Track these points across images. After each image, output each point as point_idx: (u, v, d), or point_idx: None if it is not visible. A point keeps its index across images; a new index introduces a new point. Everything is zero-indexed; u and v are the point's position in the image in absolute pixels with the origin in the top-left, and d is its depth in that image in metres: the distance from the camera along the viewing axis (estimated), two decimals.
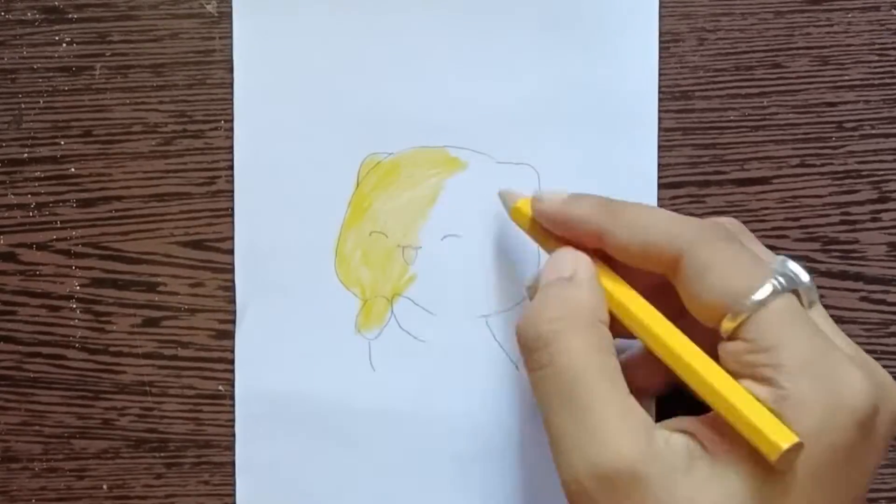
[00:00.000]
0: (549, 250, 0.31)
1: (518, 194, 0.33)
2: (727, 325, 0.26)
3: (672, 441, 0.26)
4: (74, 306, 0.35)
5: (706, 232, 0.27)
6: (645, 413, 0.26)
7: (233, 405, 0.35)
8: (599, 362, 0.26)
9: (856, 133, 0.35)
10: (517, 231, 0.33)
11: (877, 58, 0.35)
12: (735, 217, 0.35)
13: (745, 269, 0.26)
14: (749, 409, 0.25)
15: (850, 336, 0.35)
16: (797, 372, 0.25)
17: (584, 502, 0.25)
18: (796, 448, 0.24)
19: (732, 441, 0.25)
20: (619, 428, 0.25)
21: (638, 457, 0.25)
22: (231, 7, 0.35)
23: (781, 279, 0.26)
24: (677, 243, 0.27)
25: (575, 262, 0.29)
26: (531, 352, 0.27)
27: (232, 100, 0.35)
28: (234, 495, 0.35)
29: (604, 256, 0.29)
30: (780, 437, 0.24)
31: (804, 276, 0.27)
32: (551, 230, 0.30)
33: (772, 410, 0.25)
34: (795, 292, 0.26)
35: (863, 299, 0.35)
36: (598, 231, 0.29)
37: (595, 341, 0.27)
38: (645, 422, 0.26)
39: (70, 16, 0.35)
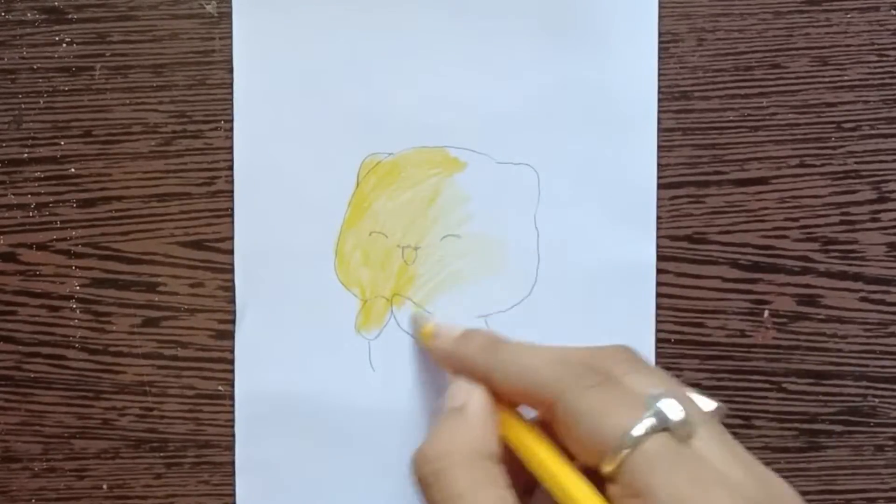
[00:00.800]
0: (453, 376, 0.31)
1: (426, 319, 0.34)
2: (605, 469, 0.26)
3: None
4: (74, 306, 0.35)
5: (576, 378, 0.27)
6: None
7: (232, 405, 0.35)
8: (482, 498, 0.27)
9: (855, 133, 0.35)
10: (517, 231, 0.33)
11: (876, 58, 0.35)
12: (734, 217, 0.35)
13: (614, 414, 0.26)
14: None
15: (849, 336, 0.35)
16: None
17: None
18: None
19: None
20: None
21: None
22: (231, 7, 0.35)
23: (650, 420, 0.25)
24: (549, 391, 0.27)
25: (467, 393, 0.29)
26: (424, 488, 0.28)
27: (232, 100, 0.35)
28: (233, 495, 0.35)
29: None
30: None
31: (675, 414, 0.26)
32: (448, 367, 0.31)
33: None
34: (669, 429, 0.26)
35: (862, 299, 0.35)
36: (482, 372, 0.29)
37: (481, 476, 0.27)
38: None
39: (70, 16, 0.35)
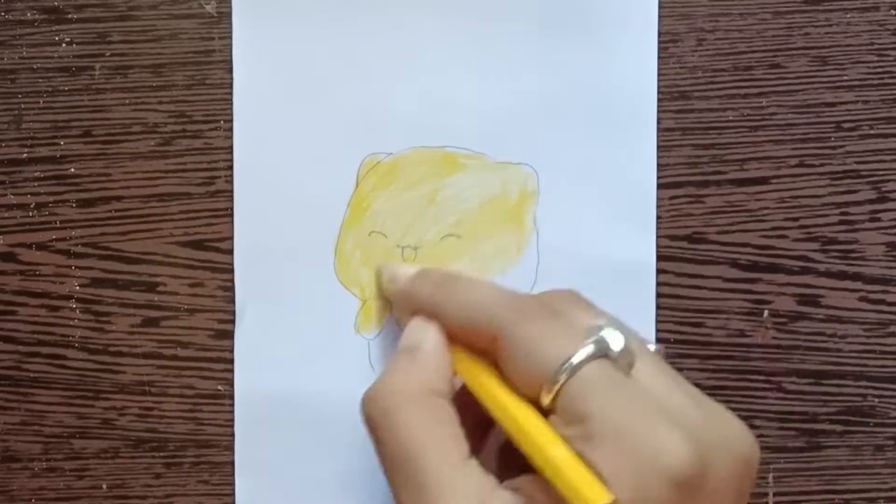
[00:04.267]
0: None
1: (387, 267, 0.34)
2: (544, 399, 0.25)
3: (505, 500, 0.25)
4: (74, 306, 0.35)
5: (520, 311, 0.27)
6: (482, 476, 0.26)
7: (232, 405, 0.35)
8: (433, 435, 0.26)
9: (854, 133, 0.35)
10: (516, 231, 0.33)
11: (875, 58, 0.35)
12: (734, 217, 0.35)
13: (554, 343, 0.26)
14: (568, 468, 0.24)
15: (848, 336, 0.35)
16: (606, 442, 0.24)
17: None
18: None
19: (556, 500, 0.24)
20: (451, 501, 0.25)
21: None
22: (230, 7, 0.35)
23: (590, 346, 0.25)
24: (494, 323, 0.27)
25: (422, 332, 0.29)
26: (372, 429, 0.28)
27: (231, 100, 0.35)
28: (233, 495, 0.35)
29: None
30: (594, 493, 0.23)
31: (616, 343, 0.25)
32: (405, 309, 0.31)
33: None
34: (609, 357, 0.26)
35: (862, 299, 0.35)
36: (433, 308, 0.29)
37: (430, 414, 0.27)
38: (480, 487, 0.26)
39: (70, 16, 0.35)
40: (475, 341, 0.28)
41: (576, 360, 0.25)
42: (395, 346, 0.35)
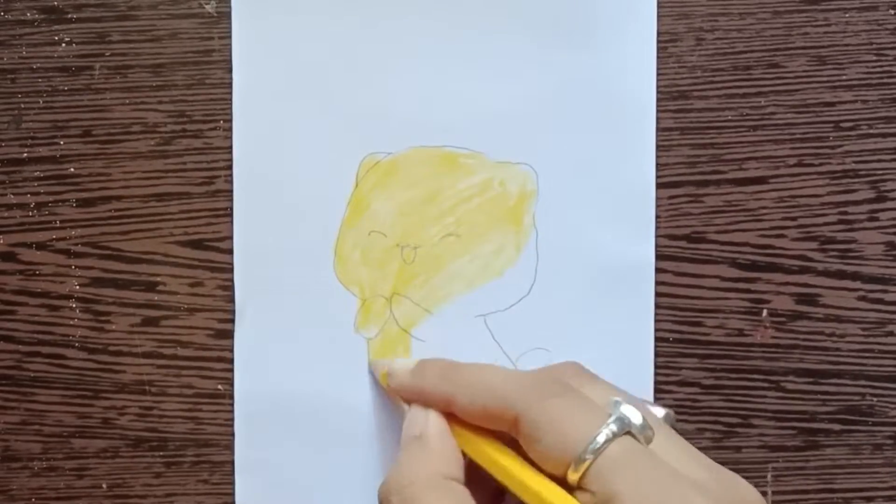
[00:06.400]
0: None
1: (382, 364, 0.34)
2: (572, 477, 0.26)
3: None
4: (74, 306, 0.35)
5: (537, 391, 0.28)
6: None
7: (232, 404, 0.35)
8: None
9: (853, 133, 0.35)
10: (516, 231, 0.33)
11: (874, 57, 0.35)
12: (733, 216, 0.35)
13: (578, 421, 0.26)
14: None
15: (847, 335, 0.35)
16: None
17: None
18: None
19: None
20: None
21: None
22: (230, 7, 0.35)
23: (614, 425, 0.26)
24: (512, 406, 0.28)
25: (424, 420, 0.30)
26: None
27: (231, 100, 0.35)
28: (233, 494, 0.35)
29: None
30: None
31: (636, 418, 0.27)
32: (408, 400, 0.32)
33: None
34: (632, 433, 0.27)
35: (860, 299, 0.35)
36: (443, 399, 0.30)
37: (447, 498, 0.28)
38: None
39: (69, 16, 0.35)
40: (489, 424, 0.29)
41: (601, 439, 0.26)
42: (394, 346, 0.35)
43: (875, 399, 0.36)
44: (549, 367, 0.31)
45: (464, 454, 0.29)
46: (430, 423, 0.30)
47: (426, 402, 0.31)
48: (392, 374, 0.33)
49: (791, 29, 0.35)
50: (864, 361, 0.36)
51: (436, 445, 0.29)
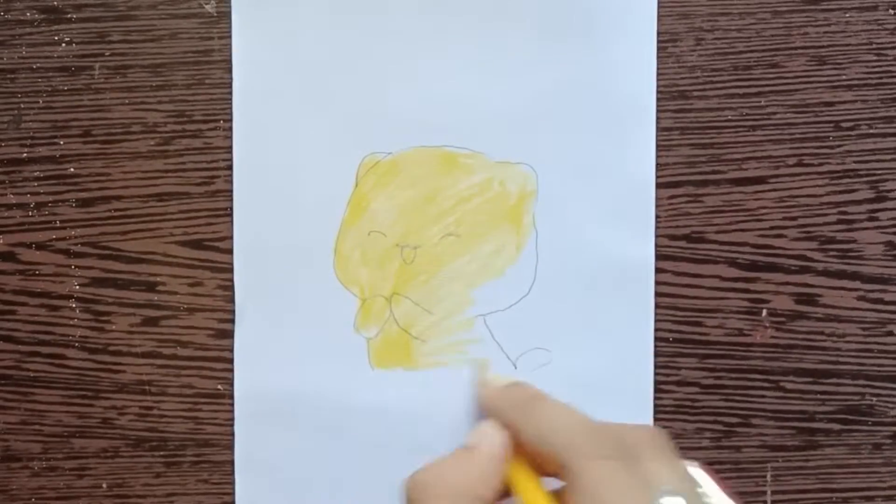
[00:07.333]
0: None
1: (485, 369, 0.34)
2: None
3: None
4: (74, 306, 0.35)
5: (597, 446, 0.27)
6: None
7: (232, 404, 0.35)
8: None
9: (853, 132, 0.35)
10: (515, 231, 0.33)
11: (874, 57, 0.35)
12: (733, 216, 0.35)
13: (620, 493, 0.26)
14: None
15: (847, 335, 0.35)
16: None
17: None
18: None
19: None
20: None
21: None
22: (230, 7, 0.35)
23: None
24: (564, 453, 0.27)
25: (485, 435, 0.30)
26: None
27: (231, 100, 0.35)
28: (233, 493, 0.35)
29: None
30: None
31: None
32: (487, 413, 0.31)
33: None
34: None
35: (860, 298, 0.35)
36: (512, 426, 0.30)
37: None
38: None
39: (69, 16, 0.35)
40: (543, 463, 0.29)
41: None
42: (394, 345, 0.35)
43: (874, 399, 0.36)
44: (633, 425, 0.29)
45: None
46: (488, 440, 0.30)
47: (500, 422, 0.30)
48: (485, 384, 0.33)
49: (791, 29, 0.35)
50: (864, 361, 0.36)
51: (482, 461, 0.29)
